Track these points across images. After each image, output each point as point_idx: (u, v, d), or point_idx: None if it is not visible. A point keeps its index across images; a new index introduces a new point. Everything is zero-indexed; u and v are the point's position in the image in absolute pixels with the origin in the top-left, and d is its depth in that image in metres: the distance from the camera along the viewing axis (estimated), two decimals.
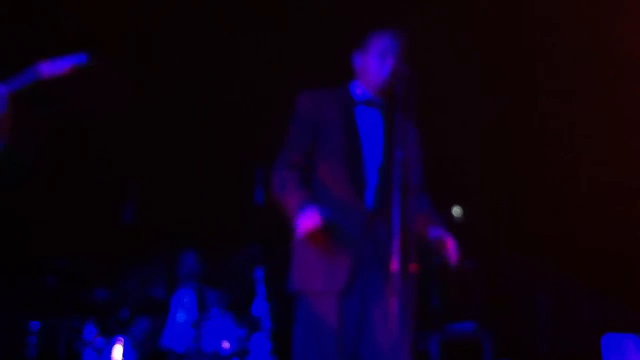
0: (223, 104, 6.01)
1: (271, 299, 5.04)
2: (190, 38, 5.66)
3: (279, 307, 5.00)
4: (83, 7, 5.24)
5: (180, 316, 5.22)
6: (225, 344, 4.94)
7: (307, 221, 2.63)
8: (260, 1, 5.57)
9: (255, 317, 5.01)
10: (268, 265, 5.11)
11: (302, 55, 5.64)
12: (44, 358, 5.20)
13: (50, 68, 3.16)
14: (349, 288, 2.74)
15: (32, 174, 5.46)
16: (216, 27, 5.65)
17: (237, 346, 4.95)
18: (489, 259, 6.13)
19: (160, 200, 6.01)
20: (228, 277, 5.63)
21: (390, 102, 2.90)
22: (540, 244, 6.13)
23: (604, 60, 5.44)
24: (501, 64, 5.72)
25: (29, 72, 3.13)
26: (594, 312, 5.98)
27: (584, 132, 5.83)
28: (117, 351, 4.88)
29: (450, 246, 2.82)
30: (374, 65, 2.91)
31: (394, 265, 2.47)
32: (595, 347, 5.04)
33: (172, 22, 5.55)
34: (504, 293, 6.31)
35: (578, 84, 5.63)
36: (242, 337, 4.98)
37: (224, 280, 5.59)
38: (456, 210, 6.41)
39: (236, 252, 5.55)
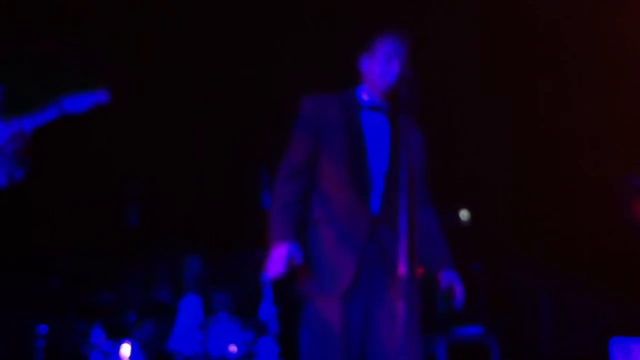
0: (228, 106, 6.01)
1: (278, 302, 5.03)
2: (195, 40, 5.67)
3: (286, 310, 5.00)
4: (82, 6, 5.26)
5: (187, 319, 5.22)
6: (233, 348, 4.94)
7: (273, 266, 2.70)
8: (265, 2, 5.57)
9: (262, 321, 5.01)
10: (273, 281, 5.10)
11: (308, 57, 5.65)
12: None
13: (74, 105, 3.21)
14: (353, 292, 2.74)
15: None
16: (222, 29, 5.66)
17: (244, 350, 4.95)
18: (495, 262, 6.12)
19: (166, 204, 6.02)
20: (234, 280, 5.64)
21: (396, 107, 2.90)
22: (546, 247, 6.12)
23: (607, 61, 5.43)
24: (508, 67, 5.72)
25: (53, 107, 3.18)
26: (600, 316, 5.96)
27: (588, 135, 5.82)
28: (125, 353, 4.89)
29: (459, 294, 2.89)
30: (379, 69, 2.90)
31: (401, 269, 2.47)
32: (601, 351, 5.02)
33: (177, 26, 5.56)
34: (510, 296, 6.29)
35: (584, 87, 5.62)
36: (249, 341, 4.98)
37: (231, 284, 5.59)
38: (463, 214, 6.40)
39: (242, 256, 5.55)
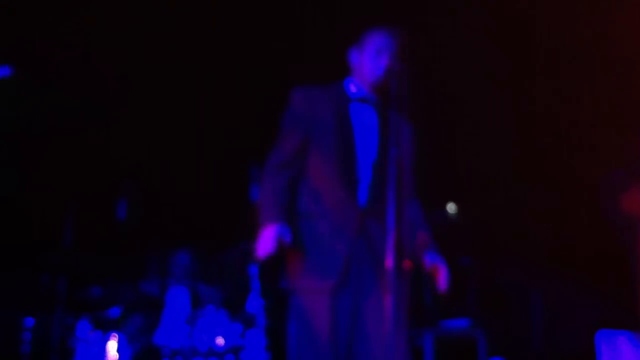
0: (217, 101, 6.00)
1: (266, 295, 5.03)
2: (184, 34, 5.66)
3: (274, 303, 5.00)
4: (82, 6, 5.25)
5: (175, 313, 5.21)
6: (220, 340, 4.94)
7: (262, 246, 2.72)
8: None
9: (250, 314, 5.01)
10: (262, 262, 5.10)
11: (298, 52, 5.64)
12: (38, 354, 5.19)
13: None
14: (341, 285, 2.74)
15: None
16: (211, 24, 5.64)
17: (231, 342, 4.95)
18: (484, 256, 6.15)
19: (155, 198, 6.00)
20: (222, 274, 5.63)
21: (385, 100, 2.89)
22: (535, 241, 6.15)
23: (605, 60, 5.45)
24: (501, 62, 5.73)
25: None
26: (587, 310, 5.99)
27: (582, 134, 5.85)
28: (112, 346, 4.87)
29: (443, 275, 2.89)
30: (369, 63, 2.91)
31: (389, 261, 2.47)
32: (588, 345, 5.06)
33: (167, 19, 5.54)
34: (498, 290, 6.32)
35: (578, 84, 5.64)
36: (236, 334, 4.97)
37: (218, 277, 5.59)
38: (450, 207, 6.42)
39: (230, 249, 5.54)
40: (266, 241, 2.71)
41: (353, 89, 2.98)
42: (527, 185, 6.25)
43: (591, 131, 5.76)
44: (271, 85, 5.38)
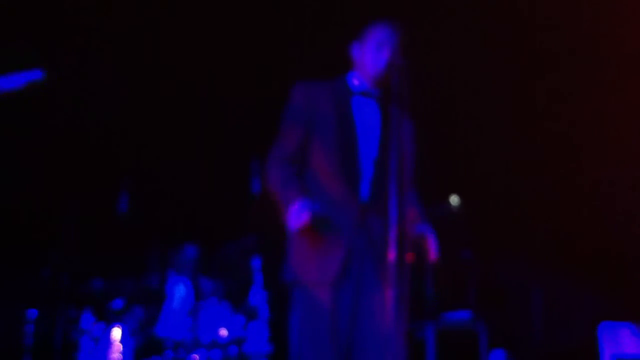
0: (219, 95, 6.00)
1: (268, 287, 5.05)
2: (185, 29, 5.65)
3: (276, 295, 5.02)
4: (81, 5, 5.25)
5: (177, 304, 5.23)
6: (223, 332, 4.96)
7: (296, 217, 2.67)
8: None
9: (253, 306, 5.03)
10: (264, 255, 5.12)
11: (299, 46, 5.63)
12: (41, 346, 5.21)
13: (5, 84, 3.12)
14: (342, 279, 2.75)
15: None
16: (212, 17, 5.63)
17: (234, 334, 4.97)
18: (485, 249, 6.15)
19: (156, 191, 6.01)
20: (224, 266, 5.64)
21: (387, 94, 2.90)
22: (536, 234, 6.15)
23: (606, 59, 5.45)
24: (502, 56, 5.73)
25: None
26: (588, 302, 6.01)
27: (582, 133, 5.86)
28: (116, 333, 4.89)
29: (431, 243, 2.85)
30: (370, 57, 2.91)
31: (391, 255, 2.47)
32: (589, 337, 5.08)
33: (167, 13, 5.54)
34: (499, 282, 6.33)
35: (580, 82, 5.64)
36: (239, 326, 4.99)
37: (221, 270, 5.60)
38: (453, 199, 6.42)
39: (232, 242, 5.56)
40: (299, 212, 2.67)
41: (355, 83, 2.98)
42: (529, 180, 6.25)
43: (593, 129, 5.77)
44: (272, 79, 5.39)
